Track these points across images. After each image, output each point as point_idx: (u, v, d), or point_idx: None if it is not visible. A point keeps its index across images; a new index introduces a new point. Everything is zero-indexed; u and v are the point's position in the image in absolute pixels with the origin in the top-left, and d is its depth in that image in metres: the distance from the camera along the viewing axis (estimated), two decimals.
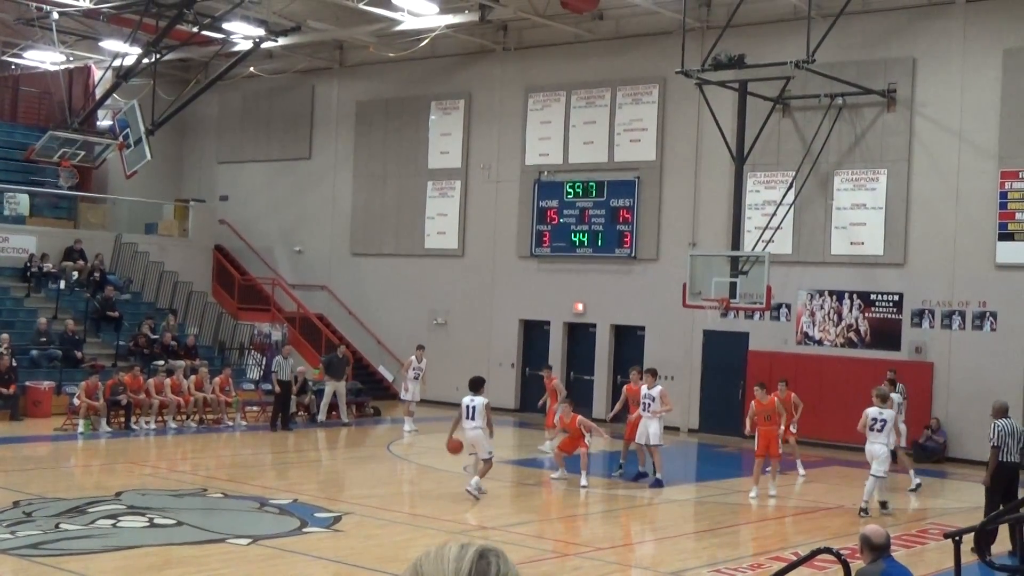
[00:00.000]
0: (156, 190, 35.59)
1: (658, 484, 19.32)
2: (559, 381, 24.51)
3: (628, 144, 28.70)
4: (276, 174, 35.47)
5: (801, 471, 21.03)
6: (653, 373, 20.21)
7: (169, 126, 32.43)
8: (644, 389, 19.68)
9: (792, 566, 9.03)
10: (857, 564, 13.20)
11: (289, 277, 34.58)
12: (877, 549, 8.36)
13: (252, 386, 29.11)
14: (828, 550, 8.81)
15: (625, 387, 21.09)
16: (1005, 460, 14.63)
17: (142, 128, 30.47)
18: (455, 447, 17.64)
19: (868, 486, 17.33)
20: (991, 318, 24.21)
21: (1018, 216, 23.88)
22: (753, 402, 19.67)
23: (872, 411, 17.49)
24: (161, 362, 27.36)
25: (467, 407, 17.45)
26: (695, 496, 19.83)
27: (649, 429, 19.40)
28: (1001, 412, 15.04)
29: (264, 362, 30.84)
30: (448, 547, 2.03)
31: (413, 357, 26.15)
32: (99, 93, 32.82)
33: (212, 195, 36.49)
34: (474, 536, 14.94)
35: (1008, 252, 23.94)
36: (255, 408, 27.31)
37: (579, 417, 19.61)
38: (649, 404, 19.44)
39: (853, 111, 25.71)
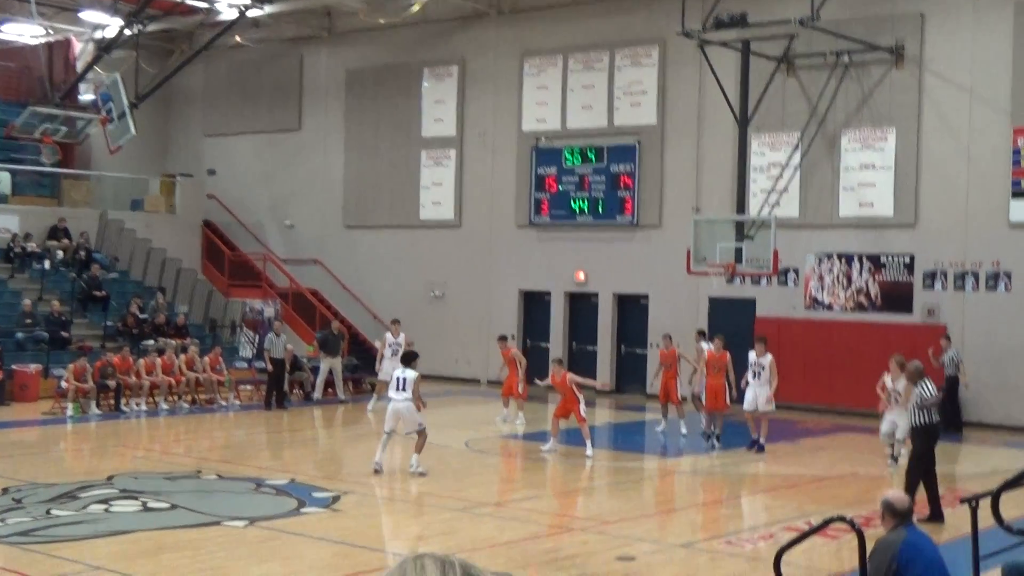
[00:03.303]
0: (141, 165, 34.89)
1: (760, 448, 19.66)
2: (517, 350, 23.96)
3: (628, 108, 28.02)
4: (265, 146, 34.77)
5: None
6: (764, 341, 20.48)
7: (153, 99, 31.78)
8: (753, 357, 19.99)
9: (805, 535, 8.80)
10: (871, 532, 12.92)
11: (280, 252, 33.91)
12: (899, 515, 8.16)
13: (245, 364, 28.52)
14: (841, 518, 8.62)
15: (706, 353, 21.02)
16: (929, 422, 14.59)
17: (125, 102, 29.78)
18: None
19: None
20: (1005, 278, 23.61)
21: None
22: (707, 353, 20.59)
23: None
24: (151, 342, 26.91)
25: (398, 379, 17.17)
26: (704, 467, 19.38)
27: (760, 397, 19.64)
28: (921, 374, 14.86)
29: (257, 340, 30.25)
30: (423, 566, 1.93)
31: (388, 333, 25.11)
32: (80, 66, 32.23)
33: (199, 169, 35.76)
34: (481, 514, 14.39)
35: (1022, 210, 23.33)
36: (248, 387, 26.77)
37: (569, 375, 19.46)
38: (760, 372, 19.77)
39: (860, 69, 25.02)
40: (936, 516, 14.19)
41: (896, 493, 8.50)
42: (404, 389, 17.01)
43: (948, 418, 23.26)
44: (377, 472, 17.11)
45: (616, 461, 19.39)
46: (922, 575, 7.89)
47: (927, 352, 22.95)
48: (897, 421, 17.80)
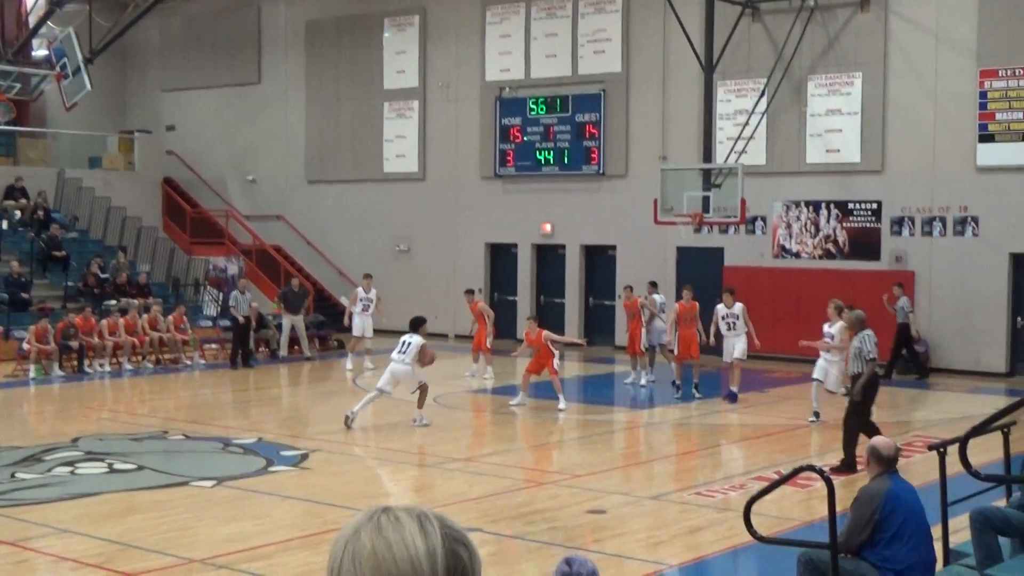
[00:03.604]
0: (98, 122, 34.28)
1: (733, 397, 19.64)
2: (485, 304, 23.78)
3: (592, 56, 27.70)
4: (224, 101, 34.24)
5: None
6: (732, 292, 20.25)
7: (108, 54, 31.15)
8: (723, 309, 19.77)
9: (774, 485, 8.64)
10: (841, 480, 12.91)
11: (243, 208, 33.50)
12: (885, 462, 8.10)
13: (209, 323, 28.21)
14: (811, 467, 8.47)
15: (677, 304, 20.89)
16: (873, 372, 14.41)
17: (80, 57, 29.18)
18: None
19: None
20: (973, 223, 23.56)
21: (999, 116, 23.15)
22: (677, 305, 20.56)
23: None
24: (113, 302, 26.54)
25: (403, 342, 17.20)
26: (674, 418, 19.29)
27: (736, 346, 19.49)
28: (863, 323, 14.62)
29: (221, 298, 29.92)
30: (401, 525, 1.84)
31: (360, 288, 24.75)
32: (32, 21, 31.47)
33: (158, 125, 35.17)
34: (451, 469, 14.25)
35: (989, 154, 23.27)
36: (214, 346, 26.48)
37: (545, 332, 19.33)
38: (734, 323, 19.60)
39: (826, 13, 24.80)
40: (850, 466, 13.99)
41: (883, 440, 8.40)
42: (405, 353, 16.96)
43: (903, 365, 23.34)
44: (348, 423, 17.01)
45: (586, 414, 19.30)
46: (903, 525, 7.86)
47: (882, 298, 22.97)
48: (829, 369, 17.49)
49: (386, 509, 1.89)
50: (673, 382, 20.58)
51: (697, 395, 20.18)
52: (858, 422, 14.30)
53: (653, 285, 23.02)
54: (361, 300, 24.22)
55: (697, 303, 20.56)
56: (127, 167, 33.62)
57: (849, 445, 14.16)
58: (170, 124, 35.28)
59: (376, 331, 24.66)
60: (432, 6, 30.30)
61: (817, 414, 17.67)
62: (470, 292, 24.45)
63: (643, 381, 21.80)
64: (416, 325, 17.45)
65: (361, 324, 24.20)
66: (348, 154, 31.85)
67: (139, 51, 35.68)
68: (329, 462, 14.91)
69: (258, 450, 15.54)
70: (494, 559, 10.51)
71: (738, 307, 19.68)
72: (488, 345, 22.62)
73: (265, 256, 31.91)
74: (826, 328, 17.66)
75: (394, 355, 17.20)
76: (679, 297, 21.14)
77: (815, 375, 17.92)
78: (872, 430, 14.16)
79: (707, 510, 12.37)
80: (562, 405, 18.73)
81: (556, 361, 19.09)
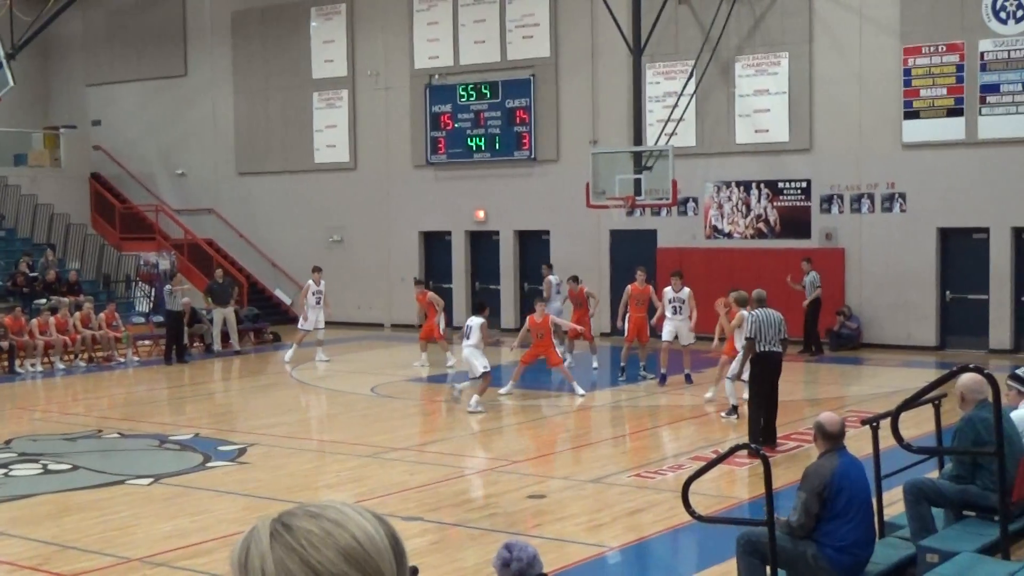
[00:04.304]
0: (22, 118, 33.68)
1: (689, 379, 19.68)
2: (434, 293, 23.66)
3: (521, 41, 27.69)
4: (151, 94, 33.77)
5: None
6: (680, 275, 20.07)
7: (31, 48, 30.59)
8: (671, 292, 19.72)
9: (712, 464, 8.81)
10: (778, 458, 13.08)
11: (173, 202, 33.12)
12: (832, 438, 8.10)
13: (142, 319, 27.88)
14: (746, 446, 8.74)
15: (629, 287, 20.59)
16: (765, 350, 14.27)
17: (1, 52, 28.64)
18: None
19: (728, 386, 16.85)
20: (900, 199, 23.90)
21: (923, 93, 23.47)
22: (630, 287, 20.32)
23: (746, 314, 16.69)
24: (43, 300, 26.10)
25: (466, 327, 18.09)
26: (611, 401, 19.41)
27: (682, 330, 19.55)
28: (758, 302, 14.72)
29: (153, 293, 29.57)
30: (332, 510, 1.78)
31: (311, 281, 24.52)
32: None
33: (84, 120, 34.67)
34: (390, 459, 14.23)
35: (914, 130, 23.60)
36: (147, 342, 26.15)
37: (552, 316, 19.62)
38: (680, 307, 19.57)
39: None
40: (769, 439, 14.06)
41: (828, 415, 8.37)
42: (469, 337, 17.72)
43: (815, 341, 23.50)
44: (455, 398, 18.10)
45: (524, 400, 19.31)
46: (849, 503, 7.90)
47: (785, 279, 23.16)
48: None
49: (291, 510, 1.81)
50: (623, 367, 20.58)
51: (647, 376, 20.23)
52: (753, 402, 14.33)
53: (548, 267, 23.92)
54: (313, 293, 24.08)
55: (651, 286, 20.55)
56: (53, 163, 33.14)
57: (749, 425, 14.32)
58: (96, 119, 34.76)
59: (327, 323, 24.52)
60: None
61: (735, 407, 16.68)
62: (420, 283, 24.39)
63: (595, 364, 21.80)
64: (480, 308, 18.47)
65: (313, 317, 24.08)
66: (278, 145, 31.59)
67: (62, 45, 35.08)
68: (268, 456, 14.81)
69: (195, 446, 15.42)
70: (436, 547, 10.51)
71: (685, 291, 19.63)
72: (441, 332, 22.59)
73: (197, 250, 31.59)
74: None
75: (462, 341, 18.18)
76: (632, 279, 20.76)
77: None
78: (770, 408, 14.24)
79: (647, 491, 12.45)
80: (580, 391, 18.80)
81: (562, 349, 19.28)
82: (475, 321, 17.85)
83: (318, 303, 24.01)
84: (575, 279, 22.27)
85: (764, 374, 14.29)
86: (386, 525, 1.81)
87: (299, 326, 24.43)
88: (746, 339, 14.60)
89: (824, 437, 8.11)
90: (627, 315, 20.33)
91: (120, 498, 12.57)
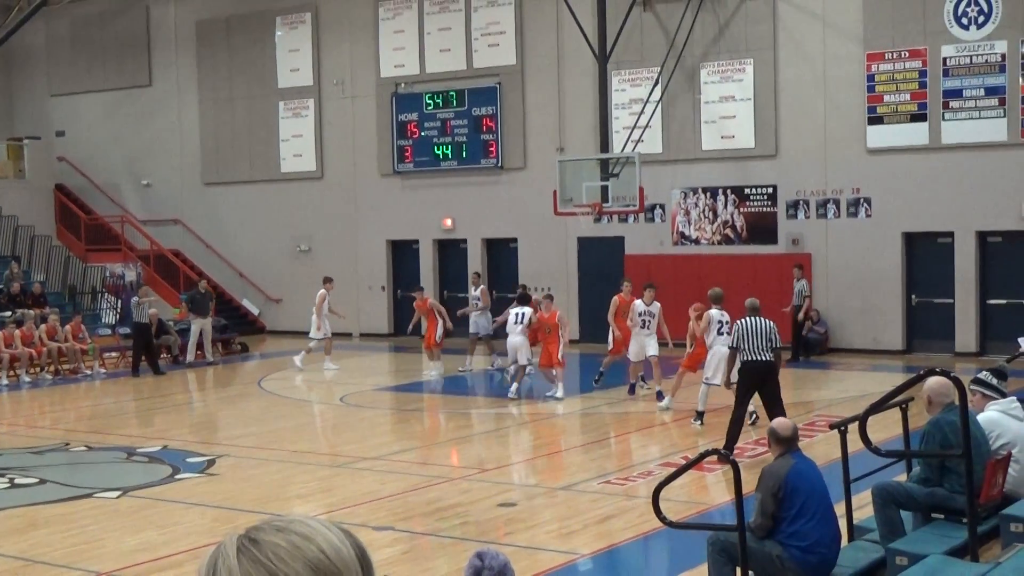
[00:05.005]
0: None
1: (660, 395, 18.72)
2: (434, 300, 23.73)
3: (487, 49, 27.71)
4: (115, 104, 33.56)
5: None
6: (653, 288, 19.37)
7: None
8: (641, 305, 19.03)
9: (681, 470, 8.79)
10: (749, 463, 13.14)
11: (139, 213, 32.91)
12: (784, 442, 8.34)
13: (108, 331, 27.65)
14: (716, 451, 8.77)
15: (616, 298, 20.00)
16: (752, 359, 14.15)
17: None
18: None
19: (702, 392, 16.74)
20: (865, 204, 24.06)
21: (886, 99, 23.65)
22: (617, 298, 19.92)
23: (715, 313, 16.56)
24: (8, 313, 25.88)
25: (516, 314, 19.53)
26: (580, 408, 19.40)
27: (648, 346, 18.87)
28: (750, 310, 14.58)
29: (119, 305, 29.36)
30: (299, 524, 1.80)
31: (323, 290, 24.42)
32: None
33: (47, 131, 34.40)
34: (360, 468, 14.19)
35: (878, 136, 23.78)
36: (114, 354, 25.95)
37: (559, 312, 19.80)
38: (649, 321, 18.91)
39: (715, 1, 25.07)
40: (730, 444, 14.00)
41: (781, 420, 8.63)
42: (520, 323, 19.26)
43: (796, 348, 23.66)
44: (514, 399, 19.02)
45: (494, 408, 19.31)
46: (806, 502, 8.03)
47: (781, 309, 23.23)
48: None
49: (258, 525, 1.83)
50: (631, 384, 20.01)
51: (646, 386, 19.65)
52: (736, 410, 14.32)
53: (477, 275, 24.85)
54: (328, 302, 24.21)
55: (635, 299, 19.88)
56: (17, 175, 32.87)
57: (728, 431, 14.33)
58: (60, 129, 34.50)
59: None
60: (324, 3, 30.02)
61: (700, 414, 16.65)
62: (420, 289, 24.35)
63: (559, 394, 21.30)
64: (526, 299, 19.93)
65: (326, 326, 24.29)
66: (244, 155, 31.46)
67: (25, 56, 34.81)
68: (237, 467, 14.74)
69: (164, 458, 15.32)
70: (407, 556, 10.49)
71: (657, 307, 19.04)
72: (438, 340, 22.53)
73: (163, 261, 31.40)
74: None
75: (509, 326, 19.52)
76: (618, 290, 20.18)
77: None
78: (738, 420, 14.25)
79: (617, 498, 12.47)
80: (560, 394, 19.02)
81: (562, 351, 19.24)
82: (527, 311, 19.25)
83: (331, 311, 24.23)
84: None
85: (750, 383, 14.29)
86: (353, 538, 1.83)
87: (311, 335, 24.42)
88: (728, 348, 14.64)
89: (777, 441, 8.37)
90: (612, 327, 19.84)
91: (88, 511, 12.49)
